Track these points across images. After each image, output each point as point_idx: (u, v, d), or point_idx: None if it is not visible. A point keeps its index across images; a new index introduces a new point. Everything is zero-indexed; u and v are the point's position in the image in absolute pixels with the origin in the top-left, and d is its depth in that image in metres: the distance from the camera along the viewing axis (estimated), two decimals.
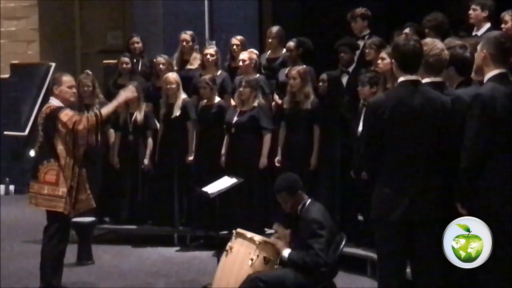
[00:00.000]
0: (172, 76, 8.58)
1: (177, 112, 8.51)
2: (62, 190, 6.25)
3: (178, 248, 8.53)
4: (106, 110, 6.56)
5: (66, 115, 6.28)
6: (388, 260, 4.63)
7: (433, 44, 4.78)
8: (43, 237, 6.42)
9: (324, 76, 7.82)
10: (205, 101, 8.49)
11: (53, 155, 6.28)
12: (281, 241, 5.54)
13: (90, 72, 9.01)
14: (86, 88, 8.63)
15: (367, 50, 7.65)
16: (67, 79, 6.49)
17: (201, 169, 8.39)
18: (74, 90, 6.58)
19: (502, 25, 6.73)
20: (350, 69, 7.97)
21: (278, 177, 5.92)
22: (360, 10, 8.33)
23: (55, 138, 6.29)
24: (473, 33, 7.09)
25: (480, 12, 7.10)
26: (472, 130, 4.48)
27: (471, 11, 7.15)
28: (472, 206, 4.52)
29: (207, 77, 8.44)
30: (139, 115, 8.72)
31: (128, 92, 6.85)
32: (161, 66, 8.90)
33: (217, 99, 8.47)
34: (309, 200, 5.60)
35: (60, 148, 6.27)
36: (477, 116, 4.48)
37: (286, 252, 5.42)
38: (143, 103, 8.77)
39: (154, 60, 9.09)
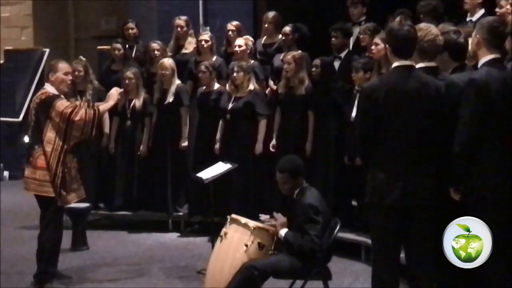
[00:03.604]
0: (168, 62, 8.56)
1: (170, 98, 8.50)
2: (49, 176, 6.25)
3: (172, 233, 8.55)
4: (104, 107, 6.55)
5: (62, 104, 6.28)
6: (382, 245, 4.64)
7: (428, 29, 4.79)
8: (40, 225, 6.43)
9: (317, 61, 7.81)
10: (204, 87, 8.47)
11: (40, 141, 6.27)
12: (280, 220, 5.54)
13: (83, 58, 8.97)
14: (77, 74, 8.58)
15: (361, 36, 7.65)
16: (63, 66, 6.48)
17: (201, 155, 8.37)
18: (70, 77, 6.55)
19: (497, 9, 6.73)
20: (342, 55, 7.98)
21: (283, 157, 5.88)
22: None
23: (45, 124, 6.28)
24: (467, 19, 7.11)
25: None
26: (466, 115, 4.50)
27: None
28: (466, 191, 4.54)
29: (206, 62, 8.43)
30: (138, 102, 8.71)
31: (116, 90, 6.75)
32: (155, 52, 8.88)
33: (216, 85, 8.45)
34: (306, 185, 5.61)
35: (49, 135, 6.26)
36: (471, 100, 4.49)
37: (283, 231, 5.43)
38: (142, 90, 8.75)
39: (148, 45, 9.06)
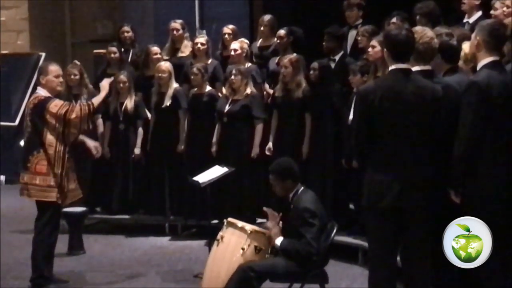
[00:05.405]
0: (165, 65, 8.58)
1: (168, 101, 8.51)
2: (54, 179, 6.25)
3: (169, 237, 8.54)
4: (97, 100, 6.57)
5: (56, 105, 6.28)
6: (379, 247, 4.64)
7: (423, 32, 4.79)
8: (34, 228, 6.43)
9: (315, 64, 7.81)
10: (195, 89, 8.48)
11: (41, 145, 6.27)
12: (274, 229, 5.53)
13: (78, 62, 8.97)
14: (73, 78, 8.58)
15: (359, 38, 7.65)
16: (54, 68, 6.49)
17: (192, 158, 8.38)
18: (61, 79, 6.57)
19: (492, 12, 6.74)
20: (337, 57, 7.97)
21: (276, 160, 5.90)
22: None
23: (43, 128, 6.28)
24: (464, 20, 7.10)
25: None
26: (467, 118, 4.49)
27: None
28: (466, 193, 4.53)
29: (198, 64, 8.44)
30: (129, 104, 8.72)
31: (107, 81, 6.77)
32: (156, 55, 8.87)
33: (208, 87, 8.46)
34: (302, 188, 5.60)
35: (49, 138, 6.27)
36: (473, 103, 4.49)
37: (278, 240, 5.42)
38: (133, 93, 8.76)
39: (148, 48, 9.04)
